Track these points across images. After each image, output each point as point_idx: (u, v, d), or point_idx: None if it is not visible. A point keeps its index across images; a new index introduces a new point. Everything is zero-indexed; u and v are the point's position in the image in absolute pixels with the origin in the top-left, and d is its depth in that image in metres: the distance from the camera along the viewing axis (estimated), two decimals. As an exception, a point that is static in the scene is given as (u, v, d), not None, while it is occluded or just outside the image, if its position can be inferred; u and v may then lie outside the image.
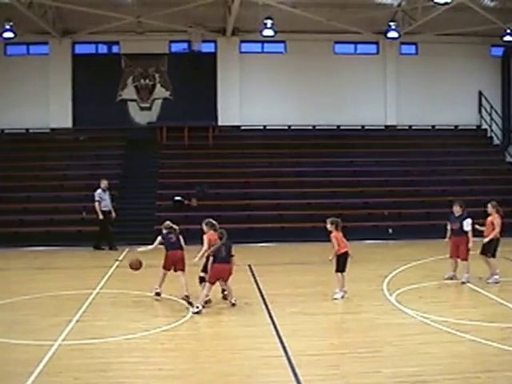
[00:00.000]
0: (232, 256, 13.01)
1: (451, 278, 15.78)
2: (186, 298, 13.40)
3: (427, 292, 14.67)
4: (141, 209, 23.73)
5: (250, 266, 18.15)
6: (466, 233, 15.47)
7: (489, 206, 16.03)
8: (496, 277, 15.44)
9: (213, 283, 12.85)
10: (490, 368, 9.10)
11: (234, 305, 13.11)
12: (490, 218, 15.84)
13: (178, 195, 25.02)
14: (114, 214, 22.68)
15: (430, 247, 21.45)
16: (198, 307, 12.62)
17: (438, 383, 8.53)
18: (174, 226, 14.06)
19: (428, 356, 9.71)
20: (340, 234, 14.03)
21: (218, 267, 12.78)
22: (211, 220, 13.77)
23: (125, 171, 25.63)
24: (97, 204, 22.28)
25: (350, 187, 26.45)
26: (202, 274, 13.38)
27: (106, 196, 22.53)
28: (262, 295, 14.48)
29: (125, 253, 21.37)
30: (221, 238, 12.92)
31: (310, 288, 15.20)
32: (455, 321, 11.66)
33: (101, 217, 22.24)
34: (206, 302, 13.03)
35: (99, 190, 22.41)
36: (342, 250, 13.98)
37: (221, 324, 12.08)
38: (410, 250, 21.13)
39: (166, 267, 13.84)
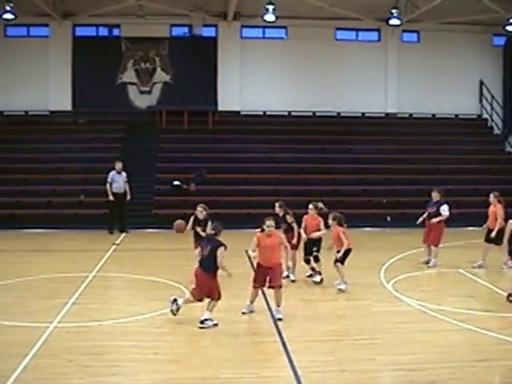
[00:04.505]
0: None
1: (427, 262, 16.18)
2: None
3: (424, 280, 14.67)
4: (139, 193, 23.63)
5: (246, 251, 18.06)
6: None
7: (491, 196, 16.40)
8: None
9: None
10: (486, 357, 9.09)
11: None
12: (491, 209, 16.14)
13: (176, 179, 24.98)
14: (129, 197, 22.49)
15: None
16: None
17: (433, 371, 8.52)
18: None
19: (424, 344, 9.70)
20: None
21: None
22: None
23: (124, 155, 25.49)
24: (107, 185, 22.13)
25: (349, 174, 26.43)
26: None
27: (120, 178, 22.37)
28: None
29: (122, 237, 21.38)
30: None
31: (305, 274, 15.16)
32: (452, 309, 11.65)
33: (110, 198, 22.14)
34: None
35: (112, 172, 22.29)
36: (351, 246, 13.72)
37: (217, 309, 12.03)
38: (407, 238, 21.04)
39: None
